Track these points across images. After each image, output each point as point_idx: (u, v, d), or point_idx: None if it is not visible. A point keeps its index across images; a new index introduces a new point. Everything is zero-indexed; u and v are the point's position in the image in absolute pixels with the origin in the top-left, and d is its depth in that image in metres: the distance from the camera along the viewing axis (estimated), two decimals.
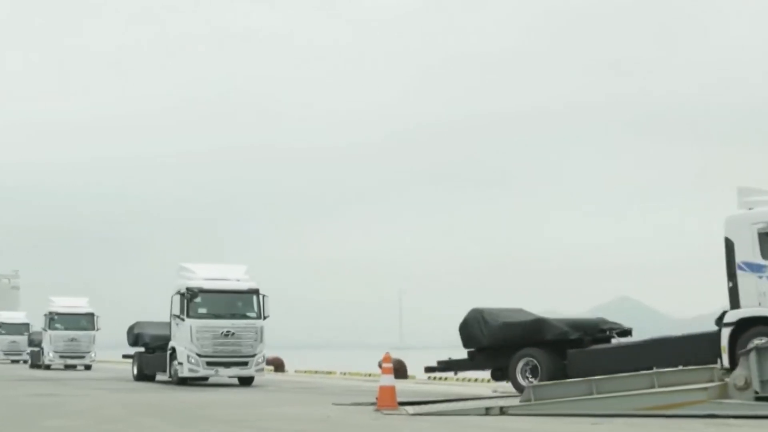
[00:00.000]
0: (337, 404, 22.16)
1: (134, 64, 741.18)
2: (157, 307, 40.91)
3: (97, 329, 55.62)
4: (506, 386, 26.21)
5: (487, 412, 18.55)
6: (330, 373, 46.31)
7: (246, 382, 34.25)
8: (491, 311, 26.91)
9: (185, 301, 33.59)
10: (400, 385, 24.49)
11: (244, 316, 34.11)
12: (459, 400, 22.14)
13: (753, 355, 16.18)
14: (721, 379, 17.01)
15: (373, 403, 20.76)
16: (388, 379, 20.56)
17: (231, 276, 34.84)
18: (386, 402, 20.01)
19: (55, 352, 54.48)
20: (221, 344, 33.33)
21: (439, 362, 28.37)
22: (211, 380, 35.32)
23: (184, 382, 33.45)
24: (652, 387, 17.52)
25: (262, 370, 34.53)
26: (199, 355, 33.15)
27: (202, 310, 33.96)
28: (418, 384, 33.97)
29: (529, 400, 18.51)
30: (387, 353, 22.06)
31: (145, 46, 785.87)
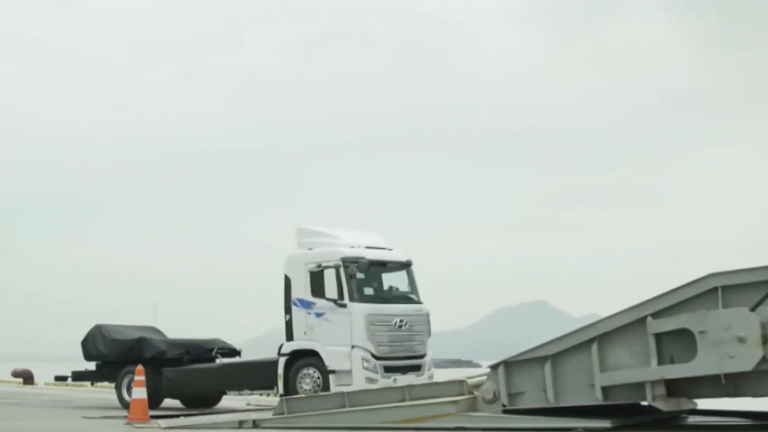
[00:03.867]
0: (87, 417, 21.70)
1: None
2: None
3: None
4: (260, 399, 26.16)
5: (240, 425, 18.44)
6: (81, 385, 45.15)
7: None
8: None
9: (344, 278, 23.55)
10: None
11: (410, 300, 24.60)
12: (212, 413, 21.99)
13: (501, 369, 16.55)
14: (471, 393, 17.35)
15: (124, 417, 20.42)
16: (140, 392, 20.28)
17: (377, 243, 25.00)
18: (138, 415, 19.73)
19: None
20: (396, 340, 23.75)
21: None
22: None
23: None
24: (404, 400, 17.71)
25: (432, 377, 24.19)
26: (376, 357, 23.26)
27: (368, 292, 24.17)
28: None
29: (283, 413, 18.49)
30: (140, 366, 21.76)
31: None
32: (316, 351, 23.45)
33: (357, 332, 23.15)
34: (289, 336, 24.06)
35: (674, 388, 15.31)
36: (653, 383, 15.24)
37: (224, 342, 27.97)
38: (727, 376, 14.80)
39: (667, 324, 15.20)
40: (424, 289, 24.93)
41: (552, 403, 16.03)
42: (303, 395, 20.73)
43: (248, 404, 26.12)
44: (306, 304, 23.74)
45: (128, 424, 19.38)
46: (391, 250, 24.88)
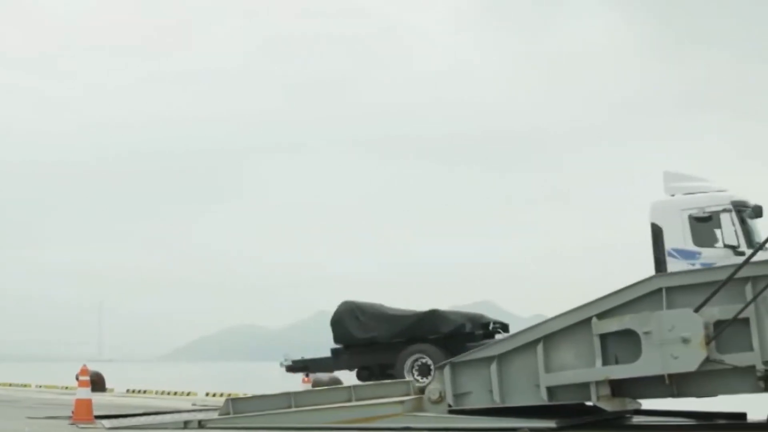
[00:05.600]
0: (31, 418, 21.47)
1: None
2: None
3: None
4: (206, 399, 26.01)
5: (186, 425, 18.32)
6: (25, 385, 44.82)
7: None
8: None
9: (737, 224, 20.58)
10: (98, 398, 23.95)
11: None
12: (157, 414, 21.85)
13: (447, 369, 16.59)
14: (417, 393, 17.37)
15: (69, 417, 20.23)
16: (85, 392, 20.08)
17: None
18: (82, 416, 19.52)
19: None
20: None
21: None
22: None
23: None
24: (350, 400, 17.71)
25: None
26: None
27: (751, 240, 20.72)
28: (116, 397, 33.31)
29: (228, 414, 18.41)
30: (84, 366, 21.57)
31: None
32: None
33: None
34: None
35: (619, 388, 15.43)
36: (598, 383, 15.35)
37: (489, 317, 25.02)
38: (672, 376, 14.93)
39: (612, 325, 15.31)
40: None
41: (498, 403, 16.09)
42: (249, 396, 20.58)
43: (194, 404, 25.97)
44: (687, 255, 20.57)
45: (72, 424, 19.18)
46: None
